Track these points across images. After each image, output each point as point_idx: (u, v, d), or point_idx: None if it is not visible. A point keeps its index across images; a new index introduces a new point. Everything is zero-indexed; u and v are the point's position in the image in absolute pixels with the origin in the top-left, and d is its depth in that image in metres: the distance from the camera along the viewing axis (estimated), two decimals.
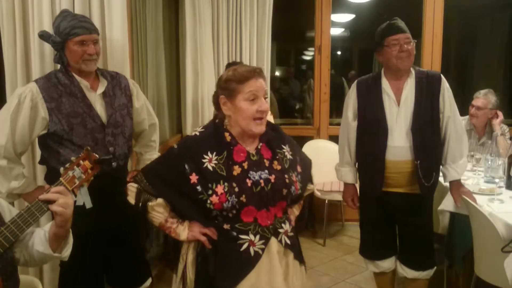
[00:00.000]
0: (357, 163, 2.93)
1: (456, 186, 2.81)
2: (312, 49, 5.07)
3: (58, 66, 2.41)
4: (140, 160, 2.76)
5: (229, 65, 3.82)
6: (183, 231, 1.90)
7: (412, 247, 2.84)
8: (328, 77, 4.98)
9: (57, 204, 1.61)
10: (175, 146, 1.94)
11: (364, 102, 2.78)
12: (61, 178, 1.70)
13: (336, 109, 5.38)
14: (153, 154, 2.77)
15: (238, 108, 1.85)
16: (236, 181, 1.81)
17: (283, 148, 1.97)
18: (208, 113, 4.30)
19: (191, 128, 4.24)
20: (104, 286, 2.60)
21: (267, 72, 4.55)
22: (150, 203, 1.91)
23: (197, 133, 1.94)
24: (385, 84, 2.73)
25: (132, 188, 1.95)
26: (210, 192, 1.79)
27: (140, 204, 1.92)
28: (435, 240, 2.99)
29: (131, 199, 1.95)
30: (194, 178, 1.82)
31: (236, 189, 1.80)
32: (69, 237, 1.76)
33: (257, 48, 4.50)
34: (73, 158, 1.75)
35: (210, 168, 1.82)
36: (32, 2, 2.55)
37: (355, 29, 7.41)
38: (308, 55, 9.79)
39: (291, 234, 1.95)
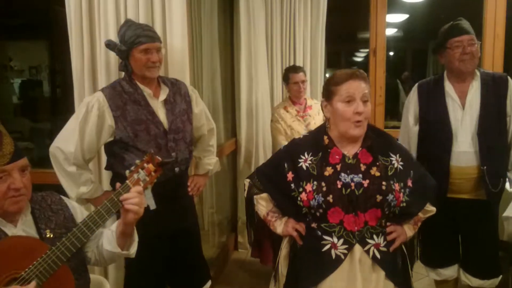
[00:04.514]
0: None
1: None
2: (364, 50, 5.00)
3: (123, 74, 2.49)
4: (199, 164, 2.80)
5: (288, 69, 3.82)
6: (280, 225, 2.03)
7: (477, 254, 2.75)
8: (383, 79, 4.87)
9: (134, 202, 1.70)
10: (282, 148, 2.10)
11: (427, 105, 2.71)
12: (127, 181, 1.76)
13: (390, 112, 5.29)
14: (212, 159, 2.81)
15: (336, 110, 1.89)
16: (326, 181, 1.86)
17: (391, 156, 1.94)
18: (262, 117, 4.31)
19: (246, 132, 4.27)
20: (165, 287, 2.66)
21: (321, 76, 4.53)
22: (256, 196, 2.11)
23: (302, 136, 2.09)
24: (449, 87, 2.66)
25: (246, 183, 2.17)
26: (300, 189, 1.89)
27: (249, 196, 2.13)
28: (499, 247, 2.88)
29: (244, 192, 2.17)
30: (290, 176, 1.94)
31: (324, 189, 1.85)
32: (134, 234, 1.85)
33: (311, 51, 4.48)
34: (137, 161, 1.81)
35: (304, 167, 1.92)
36: (99, 12, 2.63)
37: (409, 30, 7.25)
38: (359, 57, 9.64)
39: (384, 249, 1.88)
